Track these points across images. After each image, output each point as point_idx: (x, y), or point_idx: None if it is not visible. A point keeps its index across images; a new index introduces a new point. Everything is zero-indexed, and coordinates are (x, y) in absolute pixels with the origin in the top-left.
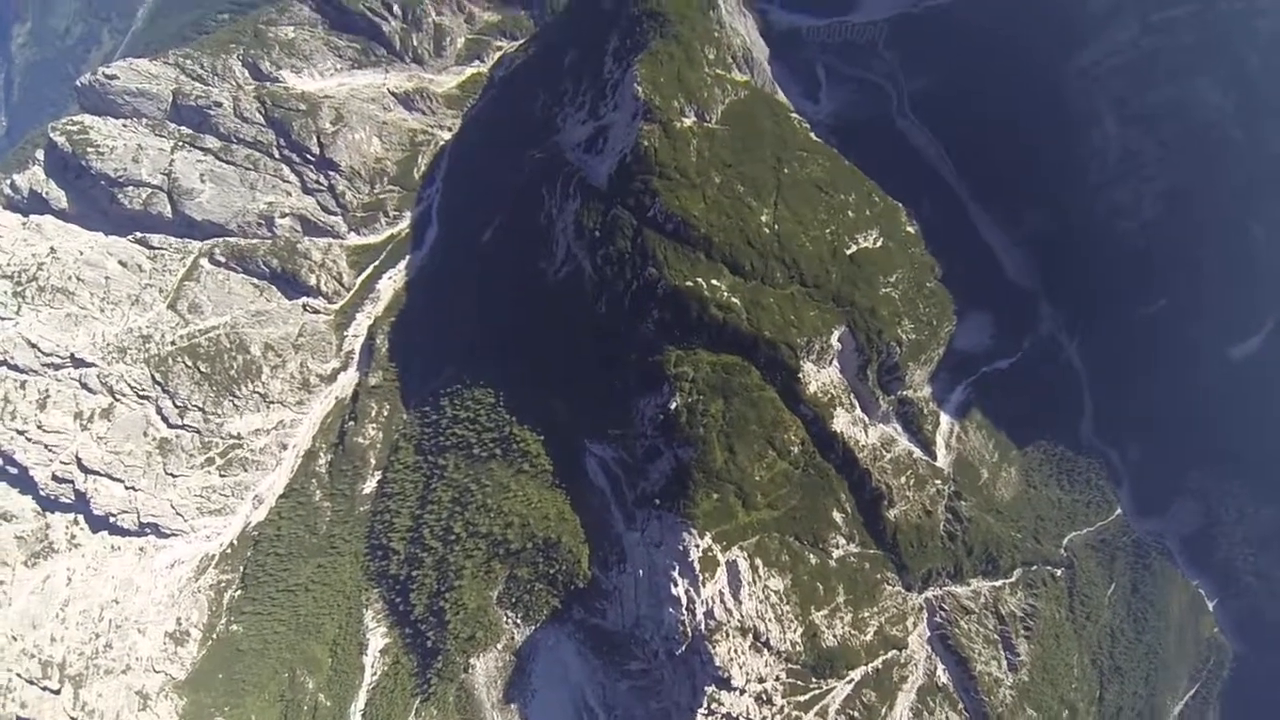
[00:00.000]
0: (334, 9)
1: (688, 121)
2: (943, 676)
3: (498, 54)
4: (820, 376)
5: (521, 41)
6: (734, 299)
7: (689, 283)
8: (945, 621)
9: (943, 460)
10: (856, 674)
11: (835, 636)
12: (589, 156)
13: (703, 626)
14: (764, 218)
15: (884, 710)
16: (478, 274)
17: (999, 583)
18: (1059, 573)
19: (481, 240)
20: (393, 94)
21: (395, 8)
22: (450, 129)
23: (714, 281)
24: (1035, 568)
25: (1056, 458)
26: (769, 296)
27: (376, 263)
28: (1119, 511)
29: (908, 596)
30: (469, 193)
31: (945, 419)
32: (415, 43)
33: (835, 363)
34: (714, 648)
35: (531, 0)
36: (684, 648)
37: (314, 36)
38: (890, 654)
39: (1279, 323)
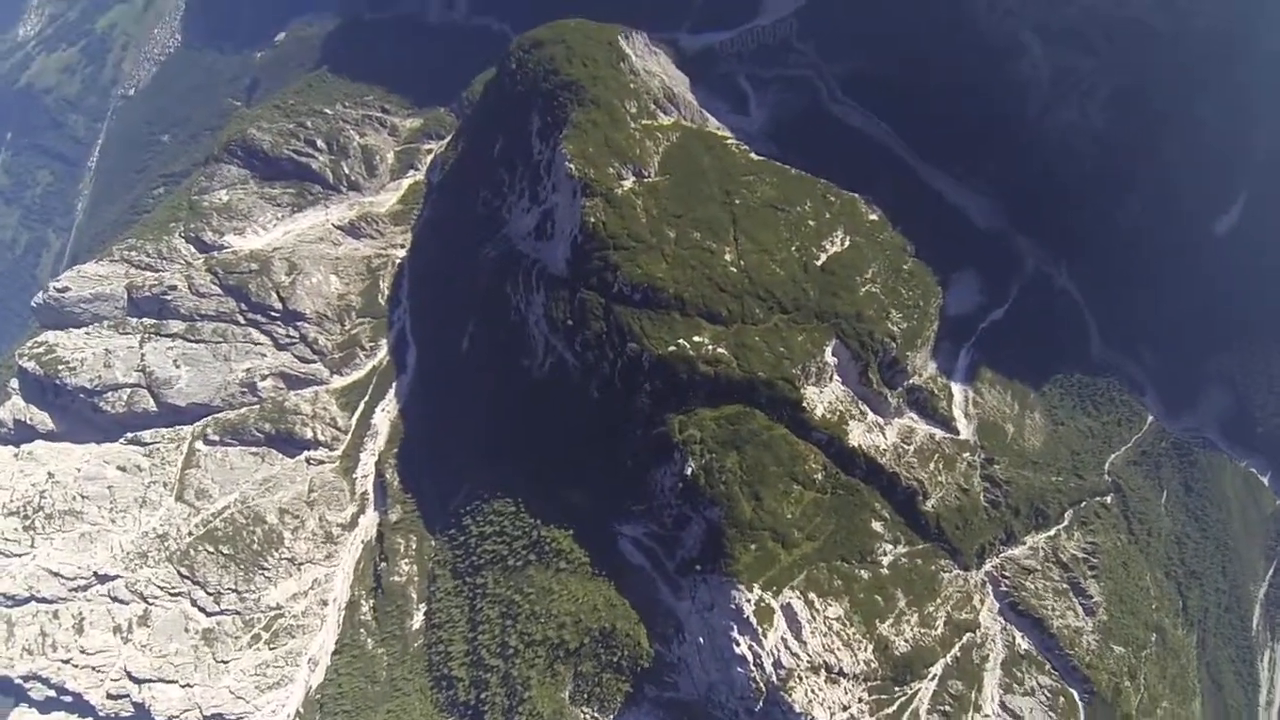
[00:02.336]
0: (260, 160)
1: (627, 184)
2: (1023, 643)
3: (429, 157)
4: (824, 397)
5: (448, 139)
6: (720, 350)
7: (671, 348)
8: (1011, 588)
9: (965, 431)
10: (937, 669)
11: (907, 641)
12: (541, 244)
13: (774, 678)
14: (728, 257)
15: (973, 695)
16: (466, 385)
17: (1053, 531)
18: (1109, 500)
19: (461, 350)
20: (338, 228)
21: (319, 142)
22: (403, 245)
23: (695, 338)
24: (1084, 504)
25: (1075, 387)
26: (753, 335)
27: (366, 398)
28: (1150, 419)
29: (967, 577)
30: (436, 305)
31: (957, 389)
32: (347, 170)
33: (835, 377)
34: (791, 695)
35: (448, 96)
36: (761, 703)
37: (248, 193)
38: (965, 638)
39: (1250, 189)
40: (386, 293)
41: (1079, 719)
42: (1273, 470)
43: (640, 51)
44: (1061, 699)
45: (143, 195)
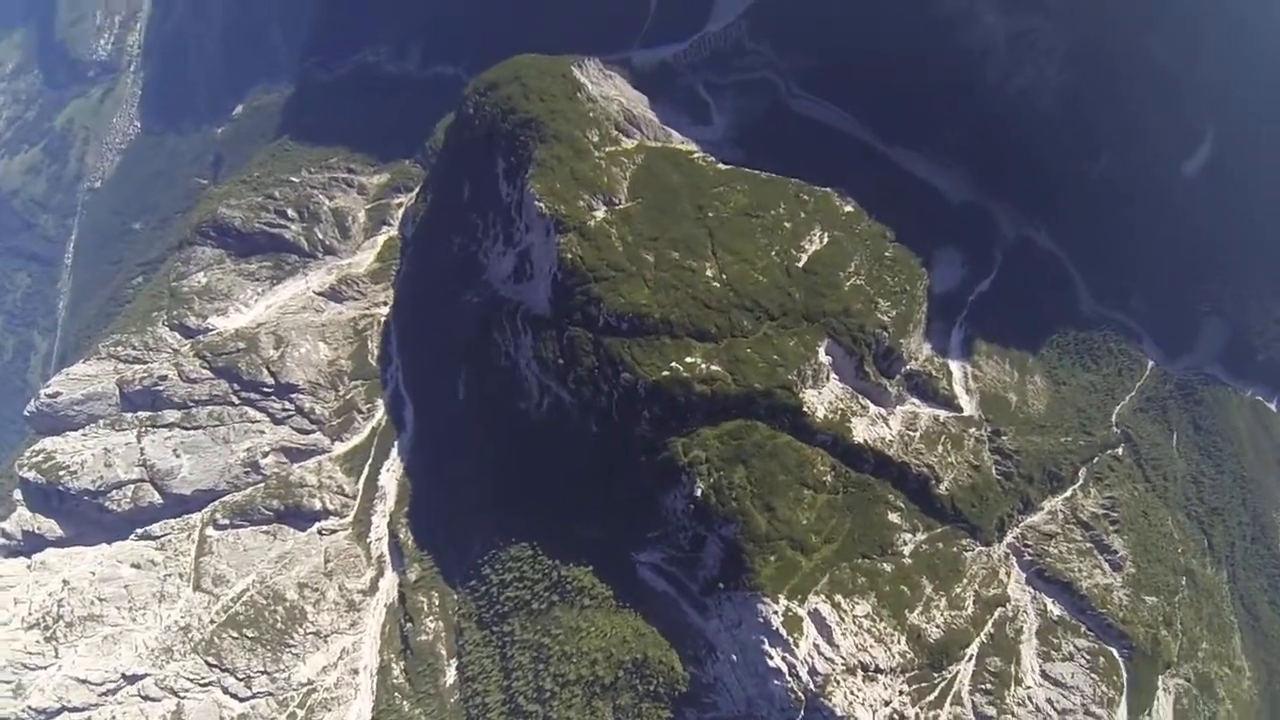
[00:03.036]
0: (233, 238)
1: (599, 214)
2: (1055, 609)
3: (400, 211)
4: (824, 398)
5: (417, 191)
6: (713, 367)
7: (665, 373)
8: (1035, 556)
9: (969, 407)
10: (973, 649)
11: (939, 627)
12: (522, 286)
13: (811, 685)
14: (709, 273)
15: (1013, 669)
16: (466, 436)
17: (1069, 492)
18: (1120, 452)
19: (457, 400)
20: (320, 294)
21: (289, 211)
22: (385, 302)
23: (688, 359)
24: (1096, 460)
25: (1072, 345)
26: (744, 348)
27: (370, 461)
28: (1151, 365)
29: (990, 552)
30: (427, 358)
31: (955, 366)
32: (321, 236)
33: (832, 376)
34: (831, 700)
35: (411, 147)
36: (802, 712)
37: (225, 272)
38: (996, 614)
39: (1216, 125)
40: (376, 352)
41: (1121, 675)
42: (1278, 396)
43: (595, 78)
44: (1101, 659)
45: (122, 286)
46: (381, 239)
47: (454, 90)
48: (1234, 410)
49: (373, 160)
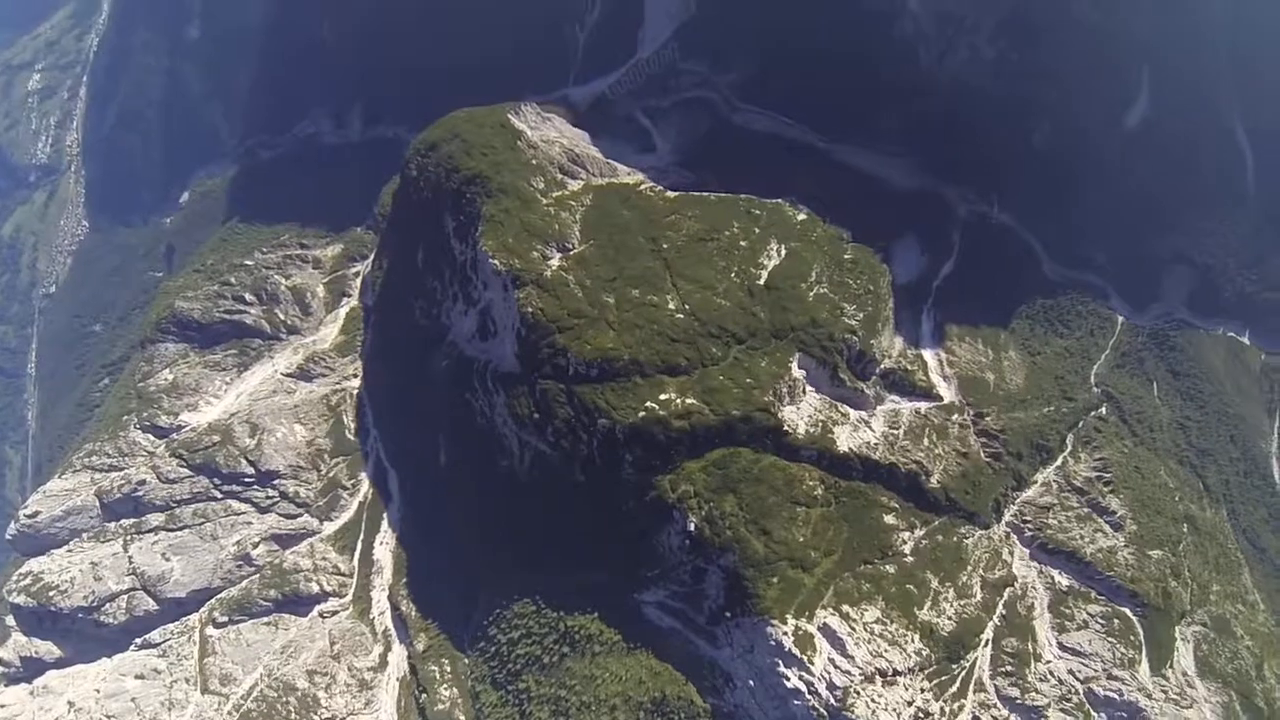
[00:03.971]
0: (195, 330)
1: (554, 263)
2: (1062, 580)
3: (358, 280)
4: (803, 412)
5: (372, 258)
6: (688, 400)
7: (641, 413)
8: (1035, 530)
9: (948, 394)
10: (987, 633)
11: (950, 618)
12: (487, 344)
13: (832, 700)
14: (671, 305)
15: (1030, 646)
16: (454, 499)
17: (1059, 461)
18: (1104, 411)
19: (440, 465)
20: (288, 375)
21: (247, 295)
22: (355, 375)
23: (662, 396)
24: (1081, 424)
25: (1041, 314)
26: (717, 376)
27: (361, 537)
28: (1121, 320)
29: (990, 535)
30: (404, 426)
31: (929, 355)
32: (282, 316)
33: (808, 389)
34: (854, 711)
35: (361, 214)
36: None
37: (191, 366)
38: (1006, 595)
39: (1151, 72)
40: (353, 426)
41: (1138, 634)
42: (1249, 327)
43: (534, 122)
44: (1116, 621)
45: (89, 390)
46: (343, 311)
47: (397, 152)
48: (1209, 350)
49: (324, 232)
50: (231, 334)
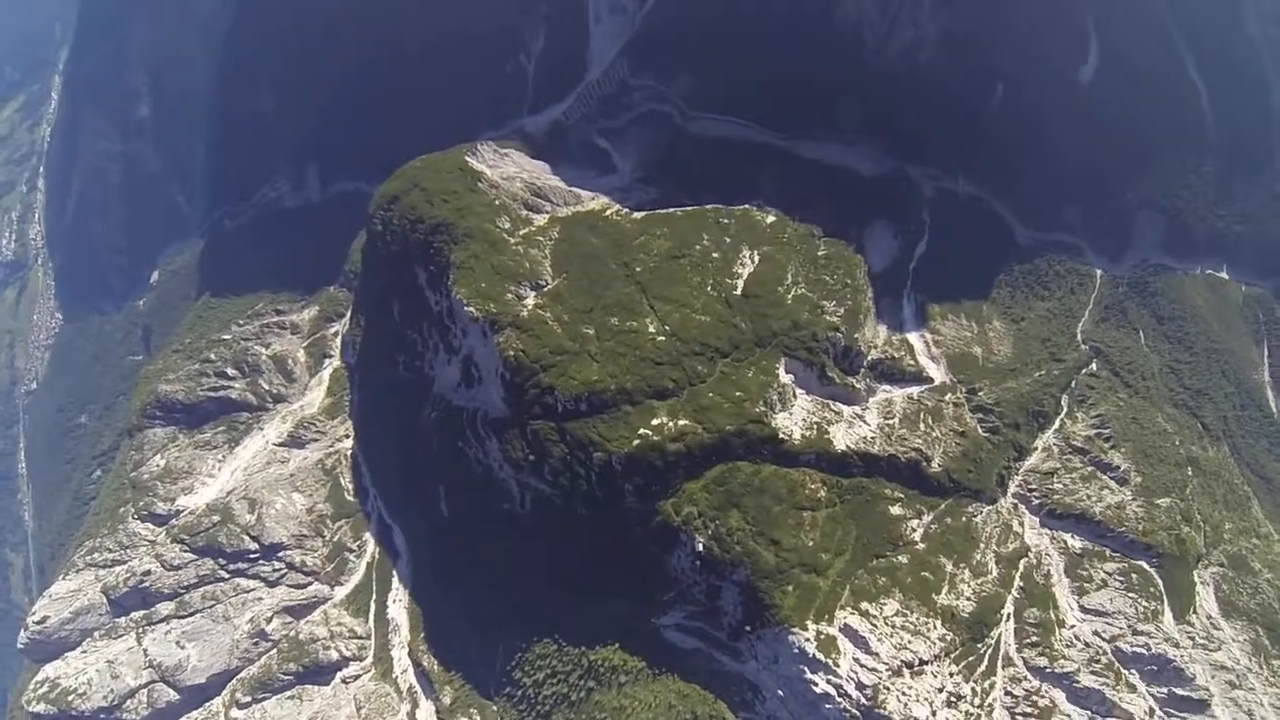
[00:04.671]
0: (180, 412)
1: (530, 302)
2: (1075, 543)
3: (338, 340)
4: (796, 417)
5: (348, 316)
6: (681, 422)
7: (635, 442)
8: (1042, 498)
9: (938, 374)
10: (1008, 607)
11: (970, 598)
12: (474, 391)
13: (862, 699)
14: (651, 328)
15: (1052, 613)
16: (461, 548)
17: (1056, 424)
18: (1094, 367)
19: (443, 516)
20: (280, 445)
21: (229, 370)
22: (346, 435)
23: (654, 421)
24: (1074, 383)
25: (1019, 279)
26: (705, 393)
27: (374, 598)
28: (1099, 273)
29: (998, 509)
30: (402, 482)
31: (915, 339)
32: (267, 386)
33: (798, 393)
34: (886, 707)
35: (332, 273)
36: None
37: (181, 449)
38: (1021, 566)
39: (1094, 25)
40: (351, 488)
41: (1157, 585)
42: (1226, 261)
43: (492, 161)
44: (1134, 575)
45: (83, 484)
46: (327, 373)
47: (360, 206)
48: (1189, 291)
49: (298, 296)
50: (218, 410)
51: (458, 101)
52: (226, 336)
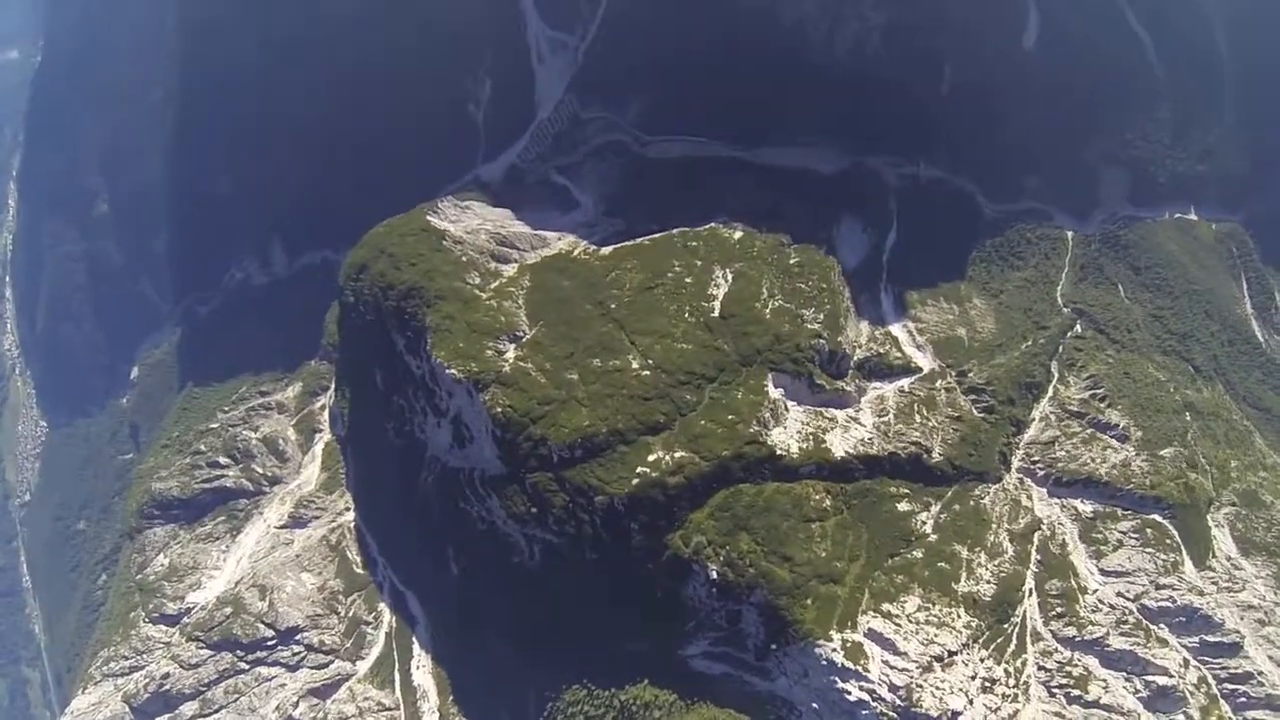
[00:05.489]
0: (178, 508)
1: (510, 355)
2: (1085, 507)
3: (325, 414)
4: (791, 431)
5: (332, 389)
6: (677, 454)
7: (634, 481)
8: (1046, 468)
9: (926, 362)
10: (1029, 583)
11: (990, 581)
12: (467, 451)
13: (897, 701)
14: (635, 364)
15: (1073, 582)
16: (477, 607)
17: (1050, 392)
18: (1079, 329)
19: (454, 577)
20: (282, 528)
21: (221, 459)
22: (347, 508)
23: (650, 458)
24: (1061, 348)
25: (992, 254)
26: (698, 422)
27: (398, 666)
28: (1070, 234)
29: (1004, 487)
30: (409, 548)
31: (898, 330)
32: (260, 470)
33: (789, 405)
34: (921, 705)
35: (311, 347)
36: None
37: (184, 545)
38: (1036, 540)
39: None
40: (359, 560)
41: (1173, 535)
42: (1192, 203)
43: (454, 216)
44: (1148, 530)
45: (90, 591)
46: (319, 448)
47: (329, 276)
48: (1161, 237)
49: (280, 374)
50: (215, 501)
51: (412, 158)
52: (214, 425)
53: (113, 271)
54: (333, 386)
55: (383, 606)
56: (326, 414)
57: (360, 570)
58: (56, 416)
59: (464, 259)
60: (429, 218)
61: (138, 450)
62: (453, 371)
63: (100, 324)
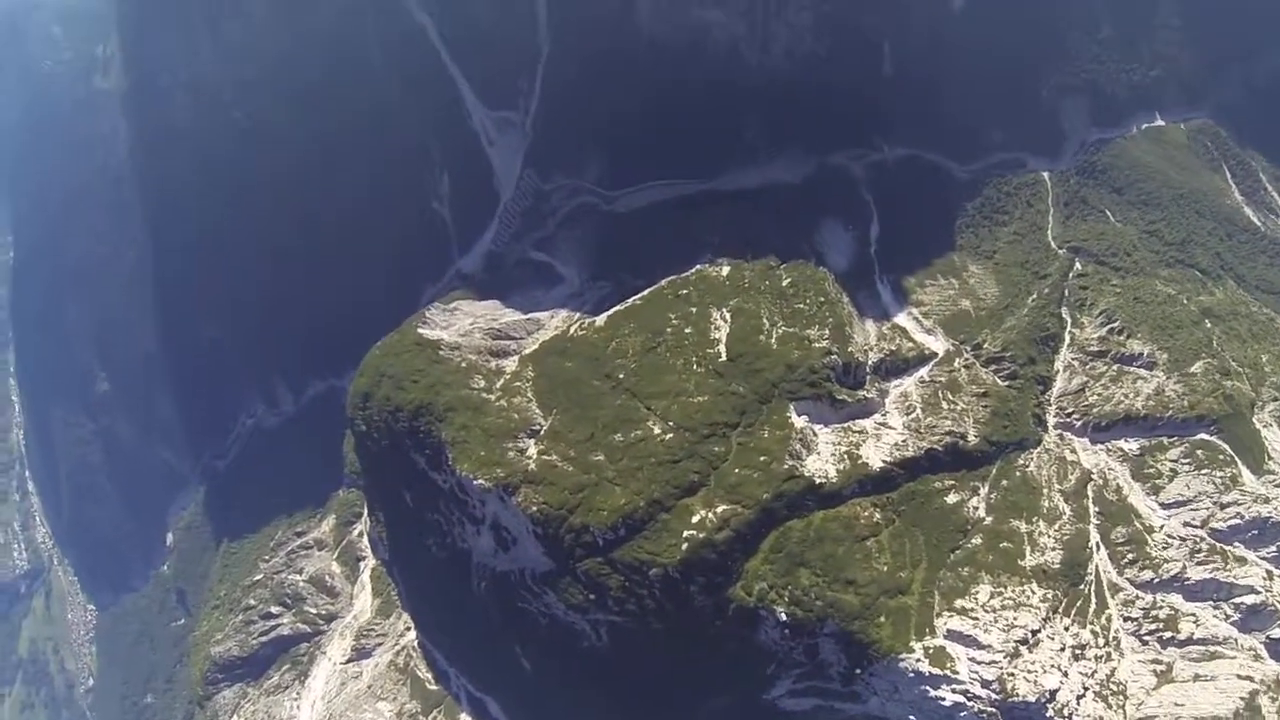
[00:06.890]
0: (241, 666)
1: (532, 451)
2: (1131, 445)
3: (364, 540)
4: (824, 456)
5: (366, 513)
6: (719, 509)
7: (684, 546)
8: (1082, 417)
9: (940, 344)
10: (1094, 537)
11: (1055, 548)
12: (512, 553)
13: (993, 696)
14: (657, 430)
15: (1137, 525)
16: (556, 699)
17: (1067, 339)
18: (1079, 266)
19: (528, 674)
20: (347, 663)
21: (273, 608)
22: (408, 628)
23: (694, 519)
24: (1066, 292)
25: (976, 216)
26: (732, 470)
27: None
28: (1046, 175)
29: (1045, 448)
30: (477, 654)
31: (904, 319)
32: (314, 611)
33: (817, 430)
34: (1018, 693)
35: (335, 476)
36: None
37: (253, 701)
38: (1090, 493)
39: None
40: (429, 677)
41: (1224, 450)
42: (1156, 110)
43: (444, 321)
44: (1199, 452)
45: None
46: (366, 575)
47: (337, 402)
48: (1135, 151)
49: (311, 510)
50: (276, 651)
51: (393, 266)
52: (258, 576)
53: (126, 445)
54: (365, 512)
55: (464, 717)
56: (366, 540)
57: (434, 686)
58: (102, 598)
59: (464, 364)
60: (420, 330)
61: (188, 614)
62: (480, 482)
63: (125, 499)
